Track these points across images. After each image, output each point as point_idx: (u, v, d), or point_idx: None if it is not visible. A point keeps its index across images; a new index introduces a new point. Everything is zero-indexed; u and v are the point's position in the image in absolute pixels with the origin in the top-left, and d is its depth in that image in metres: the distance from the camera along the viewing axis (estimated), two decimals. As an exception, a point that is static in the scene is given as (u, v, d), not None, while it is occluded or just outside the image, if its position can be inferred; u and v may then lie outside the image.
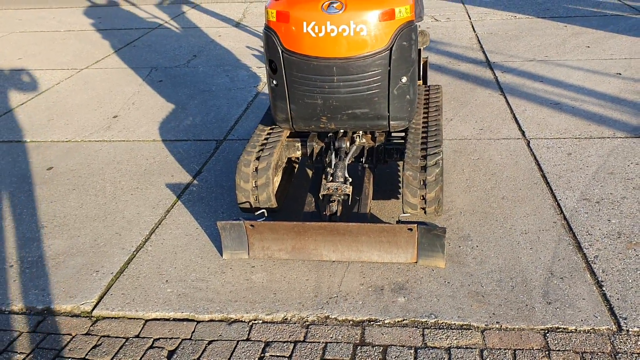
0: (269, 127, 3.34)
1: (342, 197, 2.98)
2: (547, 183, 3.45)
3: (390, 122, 3.01)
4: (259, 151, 3.11)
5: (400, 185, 3.12)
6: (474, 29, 6.83)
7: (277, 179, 3.26)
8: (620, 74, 5.12)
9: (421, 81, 4.57)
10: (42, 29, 7.96)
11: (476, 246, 2.92)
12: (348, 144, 3.19)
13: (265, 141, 3.21)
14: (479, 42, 6.31)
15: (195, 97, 5.21)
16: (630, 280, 2.62)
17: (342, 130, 3.17)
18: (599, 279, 2.64)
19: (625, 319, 2.41)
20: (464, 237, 3.00)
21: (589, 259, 2.78)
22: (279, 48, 2.90)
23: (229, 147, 4.18)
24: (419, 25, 3.12)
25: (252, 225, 2.85)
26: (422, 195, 2.87)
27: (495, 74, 5.32)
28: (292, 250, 2.89)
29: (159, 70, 6.02)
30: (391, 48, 2.83)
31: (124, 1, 9.41)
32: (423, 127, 3.24)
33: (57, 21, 8.35)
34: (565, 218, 3.11)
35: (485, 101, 4.73)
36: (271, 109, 3.14)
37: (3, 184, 3.85)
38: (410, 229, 2.72)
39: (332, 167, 3.08)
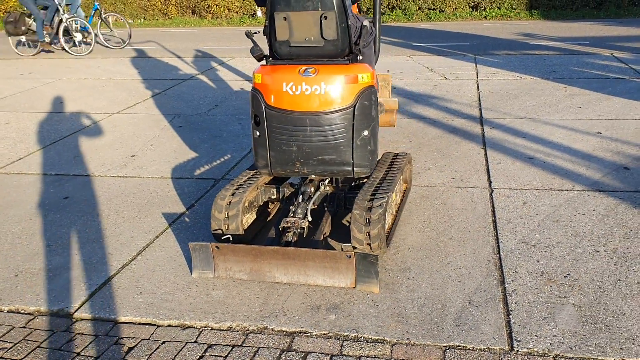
0: (251, 173, 3.86)
1: (298, 229, 3.42)
2: (495, 227, 3.81)
3: (355, 169, 3.50)
4: (235, 189, 3.62)
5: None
6: (478, 88, 7.26)
7: (252, 216, 3.75)
8: (600, 133, 5.45)
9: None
10: (86, 76, 8.80)
11: (412, 277, 3.31)
12: (313, 189, 3.68)
13: (243, 182, 3.73)
14: (479, 100, 6.73)
15: (207, 142, 5.78)
16: (536, 311, 2.95)
17: (309, 178, 3.67)
18: (510, 309, 2.98)
19: (519, 341, 2.74)
20: (404, 269, 3.38)
21: (507, 292, 3.12)
22: (262, 104, 3.46)
23: (223, 185, 4.69)
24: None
25: (217, 247, 3.32)
26: (367, 232, 3.30)
27: (483, 130, 5.72)
28: (250, 272, 3.33)
29: (181, 117, 6.65)
30: (354, 106, 3.35)
31: (170, 53, 10.24)
32: (380, 181, 3.68)
33: (102, 70, 9.19)
34: (499, 257, 3.46)
35: (465, 153, 5.13)
36: (253, 157, 3.66)
37: (24, 209, 4.44)
38: (349, 256, 3.14)
39: (295, 206, 3.56)
